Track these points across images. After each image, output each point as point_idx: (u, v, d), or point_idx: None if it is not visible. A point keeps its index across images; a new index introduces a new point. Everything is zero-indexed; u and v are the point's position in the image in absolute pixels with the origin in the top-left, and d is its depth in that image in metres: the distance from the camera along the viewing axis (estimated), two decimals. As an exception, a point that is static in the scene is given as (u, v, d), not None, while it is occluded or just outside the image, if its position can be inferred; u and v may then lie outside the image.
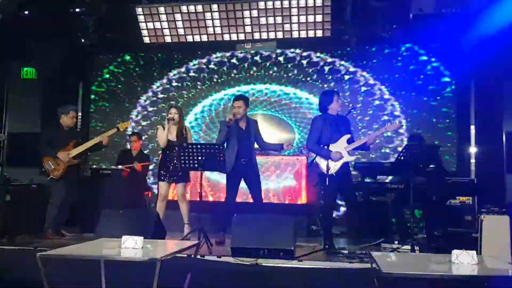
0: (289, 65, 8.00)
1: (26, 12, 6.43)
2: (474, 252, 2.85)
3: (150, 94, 8.45)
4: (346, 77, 7.80)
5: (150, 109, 8.42)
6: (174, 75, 8.39)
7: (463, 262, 2.81)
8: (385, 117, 7.55)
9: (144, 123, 8.40)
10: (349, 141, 5.00)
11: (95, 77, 8.56)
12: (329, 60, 7.88)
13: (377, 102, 7.65)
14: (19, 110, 7.51)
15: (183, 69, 8.37)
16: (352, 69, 7.80)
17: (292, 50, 7.96)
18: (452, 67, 7.34)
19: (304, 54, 7.95)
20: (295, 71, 7.97)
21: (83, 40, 7.04)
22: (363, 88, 7.71)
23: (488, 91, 6.34)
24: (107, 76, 8.54)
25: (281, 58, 8.03)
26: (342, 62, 7.84)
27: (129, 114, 8.41)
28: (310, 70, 7.92)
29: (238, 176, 5.33)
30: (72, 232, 5.82)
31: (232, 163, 5.23)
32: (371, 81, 7.72)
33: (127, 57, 8.51)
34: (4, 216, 5.62)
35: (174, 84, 8.37)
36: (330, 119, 5.03)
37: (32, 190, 6.03)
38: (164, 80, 8.41)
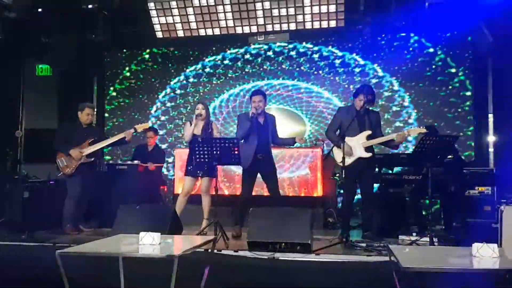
0: (301, 59, 7.99)
1: (40, 10, 6.47)
2: (495, 245, 2.79)
3: (168, 90, 8.46)
4: (357, 70, 7.75)
5: (168, 104, 8.44)
6: (190, 71, 8.41)
7: (484, 255, 2.76)
8: (395, 108, 7.52)
9: (163, 118, 8.45)
10: (370, 138, 4.96)
11: (110, 72, 8.61)
12: (340, 54, 7.84)
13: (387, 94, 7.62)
14: (35, 106, 7.59)
15: (199, 66, 8.37)
16: (362, 62, 7.74)
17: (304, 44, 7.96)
18: (470, 55, 7.21)
19: (315, 48, 7.94)
20: (307, 65, 7.96)
21: (96, 36, 7.08)
22: (374, 80, 7.65)
23: (506, 78, 6.22)
24: (125, 72, 8.57)
25: (293, 53, 8.02)
26: (353, 55, 7.78)
27: (147, 109, 8.45)
28: (322, 63, 7.89)
29: (255, 171, 5.34)
30: (90, 227, 5.88)
31: (251, 157, 5.24)
32: (380, 74, 7.68)
33: (145, 55, 8.53)
34: (23, 213, 5.71)
35: (191, 80, 8.39)
36: (355, 112, 4.99)
37: (50, 186, 6.10)
38: (181, 77, 8.42)
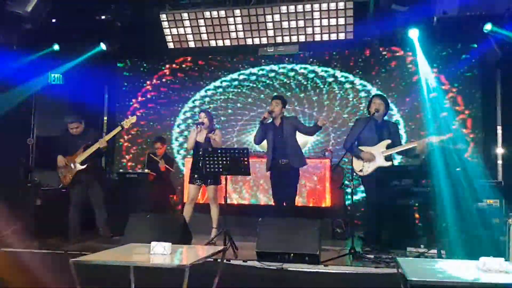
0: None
1: (54, 20, 6.58)
2: (502, 259, 2.82)
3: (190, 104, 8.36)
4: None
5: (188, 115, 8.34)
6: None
7: (491, 269, 2.78)
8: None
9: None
10: (389, 147, 4.98)
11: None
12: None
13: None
14: (47, 114, 7.67)
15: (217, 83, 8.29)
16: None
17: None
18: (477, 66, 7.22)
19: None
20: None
21: (108, 46, 7.21)
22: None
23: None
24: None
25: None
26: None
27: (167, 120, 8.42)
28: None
29: (278, 175, 5.39)
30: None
31: (270, 162, 5.35)
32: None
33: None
34: (35, 220, 5.79)
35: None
36: (374, 123, 5.02)
37: (62, 193, 6.17)
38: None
